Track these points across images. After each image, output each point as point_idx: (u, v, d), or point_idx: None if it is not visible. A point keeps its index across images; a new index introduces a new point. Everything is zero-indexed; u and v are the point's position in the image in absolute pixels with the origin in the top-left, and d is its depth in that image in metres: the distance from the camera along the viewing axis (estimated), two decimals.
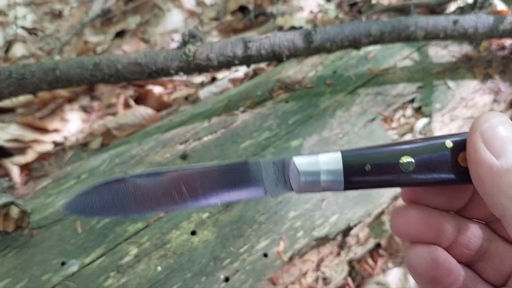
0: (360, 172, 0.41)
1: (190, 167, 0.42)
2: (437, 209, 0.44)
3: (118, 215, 0.40)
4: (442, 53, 1.38)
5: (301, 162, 0.42)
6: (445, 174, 0.41)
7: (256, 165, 0.43)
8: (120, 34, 1.95)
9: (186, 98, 1.61)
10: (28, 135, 1.39)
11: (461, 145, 0.40)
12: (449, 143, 0.41)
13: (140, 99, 1.59)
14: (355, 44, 1.16)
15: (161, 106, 1.55)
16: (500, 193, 0.34)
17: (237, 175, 0.42)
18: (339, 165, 0.41)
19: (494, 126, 0.37)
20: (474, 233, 0.43)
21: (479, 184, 0.37)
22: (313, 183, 0.42)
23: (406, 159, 0.41)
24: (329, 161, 0.42)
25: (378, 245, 1.09)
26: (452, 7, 1.60)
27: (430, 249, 0.42)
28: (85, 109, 1.58)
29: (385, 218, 1.07)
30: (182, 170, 0.41)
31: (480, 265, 0.44)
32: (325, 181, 0.42)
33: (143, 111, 1.46)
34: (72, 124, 1.50)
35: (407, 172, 0.41)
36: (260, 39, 1.11)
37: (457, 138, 0.41)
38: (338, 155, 0.42)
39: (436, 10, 1.65)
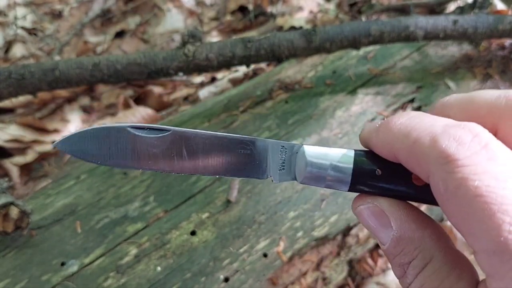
0: (369, 176, 0.38)
1: (195, 131, 0.40)
2: None
3: (112, 164, 0.39)
4: (442, 53, 1.38)
5: (311, 152, 0.40)
6: None
7: (264, 144, 0.41)
8: (120, 34, 1.95)
9: (186, 98, 1.61)
10: (28, 135, 1.39)
11: None
12: None
13: (140, 99, 1.59)
14: (355, 44, 1.16)
15: (161, 106, 1.55)
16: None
17: (242, 150, 0.41)
18: (349, 164, 0.39)
19: None
20: None
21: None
22: (318, 178, 0.40)
23: None
24: (340, 158, 0.39)
25: (378, 245, 1.09)
26: (452, 7, 1.60)
27: None
28: (85, 109, 1.58)
29: None
30: (187, 132, 0.40)
31: None
32: (331, 178, 0.39)
33: (143, 111, 1.46)
34: (72, 124, 1.50)
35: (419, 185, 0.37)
36: (259, 39, 1.11)
37: None
38: (351, 154, 0.39)
39: (435, 10, 1.65)
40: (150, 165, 0.39)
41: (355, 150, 0.40)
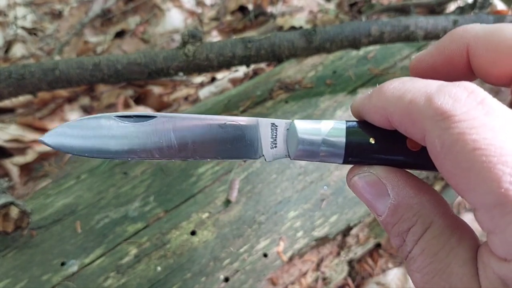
0: (363, 146, 0.37)
1: (183, 115, 0.39)
2: None
3: (100, 155, 0.38)
4: None
5: (302, 128, 0.39)
6: None
7: (254, 123, 0.40)
8: (120, 34, 1.95)
9: (186, 98, 1.61)
10: (28, 135, 1.39)
11: None
12: None
13: (140, 99, 1.59)
14: (355, 44, 1.16)
15: (161, 106, 1.55)
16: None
17: (231, 131, 0.39)
18: (342, 137, 0.38)
19: None
20: None
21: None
22: (311, 154, 0.39)
23: None
24: (332, 132, 0.38)
25: (378, 245, 1.09)
26: (452, 7, 1.60)
27: None
28: (85, 109, 1.58)
29: None
30: (174, 117, 0.39)
31: None
32: (324, 153, 0.39)
33: (143, 111, 1.46)
34: None
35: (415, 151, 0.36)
36: (260, 39, 1.11)
37: None
38: (343, 126, 0.38)
39: (436, 10, 1.65)
40: (139, 153, 0.38)
41: (346, 121, 0.39)
